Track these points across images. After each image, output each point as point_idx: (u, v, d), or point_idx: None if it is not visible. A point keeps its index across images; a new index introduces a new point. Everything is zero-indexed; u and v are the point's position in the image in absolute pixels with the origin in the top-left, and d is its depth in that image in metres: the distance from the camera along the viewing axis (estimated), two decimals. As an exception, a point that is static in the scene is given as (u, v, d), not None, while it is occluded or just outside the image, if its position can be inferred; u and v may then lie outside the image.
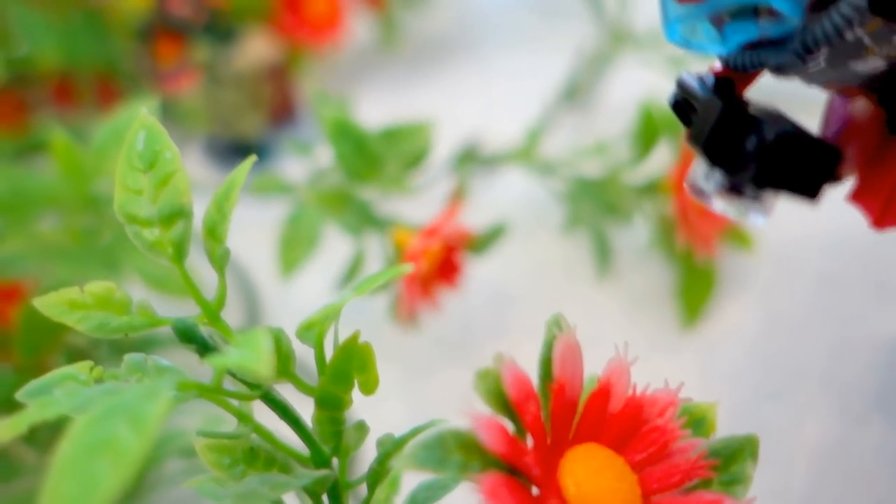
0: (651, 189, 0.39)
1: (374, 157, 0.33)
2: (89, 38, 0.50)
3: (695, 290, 0.37)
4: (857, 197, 0.21)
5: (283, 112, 0.52)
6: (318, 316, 0.18)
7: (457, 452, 0.16)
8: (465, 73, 0.55)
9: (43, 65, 0.50)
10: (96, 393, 0.16)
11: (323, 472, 0.19)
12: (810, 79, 0.19)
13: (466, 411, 0.16)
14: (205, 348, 0.18)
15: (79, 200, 0.33)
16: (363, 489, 0.21)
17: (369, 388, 0.19)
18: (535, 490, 0.16)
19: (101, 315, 0.18)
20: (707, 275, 0.38)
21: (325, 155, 0.38)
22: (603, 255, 0.40)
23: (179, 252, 0.19)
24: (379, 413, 0.23)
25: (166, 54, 0.50)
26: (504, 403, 0.17)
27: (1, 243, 0.32)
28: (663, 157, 0.39)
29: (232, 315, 0.39)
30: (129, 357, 0.19)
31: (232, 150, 0.50)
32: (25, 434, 0.34)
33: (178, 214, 0.18)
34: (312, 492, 0.19)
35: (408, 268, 0.17)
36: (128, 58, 0.51)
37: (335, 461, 0.20)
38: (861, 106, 0.21)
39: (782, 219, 0.30)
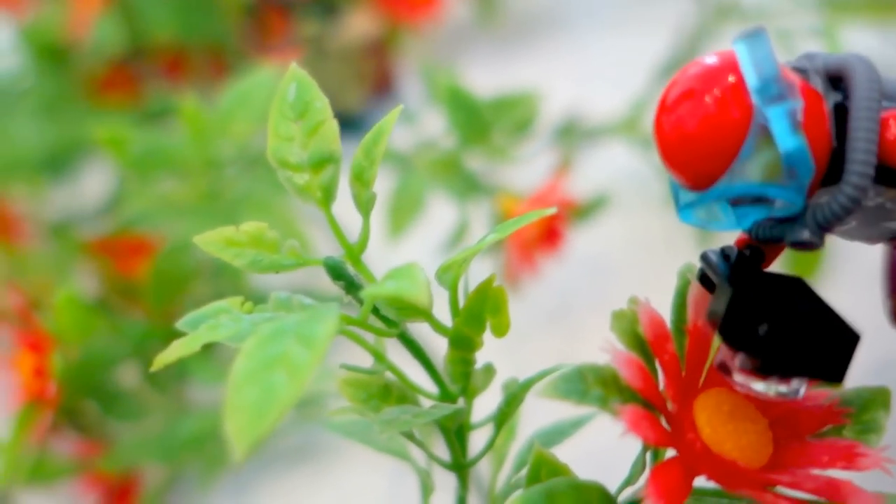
0: (756, 162, 0.38)
1: (485, 124, 0.34)
2: (201, 13, 0.52)
3: (800, 264, 0.37)
4: None
5: (382, 86, 0.53)
6: (457, 258, 0.19)
7: (596, 386, 0.17)
8: (561, 49, 0.56)
9: (157, 39, 0.52)
10: (258, 320, 0.17)
11: (458, 405, 0.19)
12: (850, 236, 0.18)
13: (607, 348, 0.17)
14: (351, 285, 0.19)
15: (203, 161, 0.35)
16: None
17: (501, 330, 0.20)
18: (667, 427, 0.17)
19: (253, 252, 0.20)
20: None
21: (431, 124, 0.39)
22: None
23: (327, 196, 0.20)
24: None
25: (274, 29, 0.52)
26: (640, 343, 0.17)
27: (132, 201, 0.35)
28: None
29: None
30: (275, 294, 0.20)
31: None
32: (151, 377, 0.36)
33: (327, 160, 0.20)
34: (444, 426, 0.20)
35: (551, 210, 0.18)
36: (235, 33, 0.53)
37: (461, 401, 0.21)
38: None
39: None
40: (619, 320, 0.18)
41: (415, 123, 0.41)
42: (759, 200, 0.16)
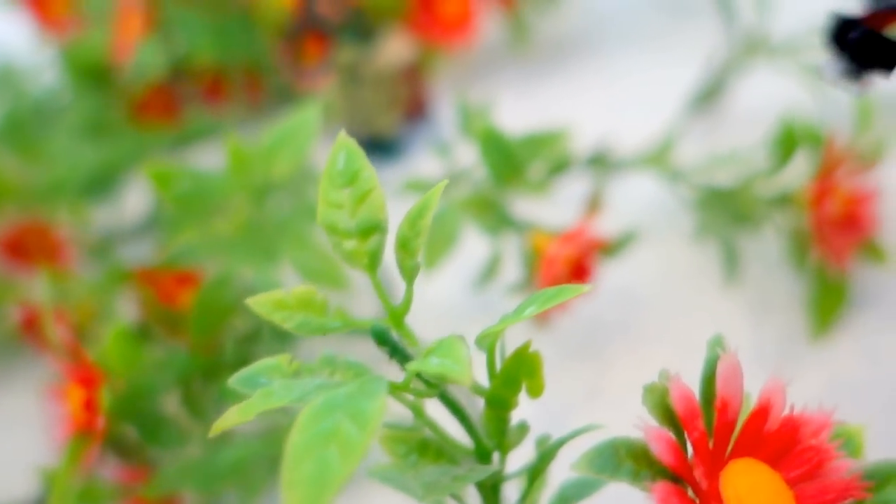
0: (784, 201, 0.39)
1: (518, 164, 0.35)
2: (240, 37, 0.54)
3: (826, 302, 0.38)
4: None
5: (414, 110, 0.54)
6: (497, 326, 0.20)
7: (628, 460, 0.18)
8: (592, 74, 0.56)
9: (198, 62, 0.53)
10: (311, 388, 0.18)
11: (495, 466, 0.20)
12: None
13: (638, 424, 0.18)
14: (395, 351, 0.20)
15: (245, 196, 0.36)
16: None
17: (536, 391, 0.21)
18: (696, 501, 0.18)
19: (302, 315, 0.21)
20: (839, 288, 0.38)
21: (463, 155, 0.40)
22: (731, 263, 0.41)
23: (373, 262, 0.21)
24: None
25: (311, 53, 0.53)
26: (670, 416, 0.18)
27: (179, 235, 0.36)
28: (798, 170, 0.39)
29: (368, 308, 0.42)
30: (323, 354, 0.21)
31: (367, 145, 0.53)
32: (190, 406, 0.37)
33: (374, 228, 0.21)
34: (481, 483, 0.21)
35: (586, 288, 0.19)
36: (273, 57, 0.55)
37: (496, 456, 0.22)
38: None
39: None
40: (651, 394, 0.18)
41: (449, 155, 0.42)
42: None
